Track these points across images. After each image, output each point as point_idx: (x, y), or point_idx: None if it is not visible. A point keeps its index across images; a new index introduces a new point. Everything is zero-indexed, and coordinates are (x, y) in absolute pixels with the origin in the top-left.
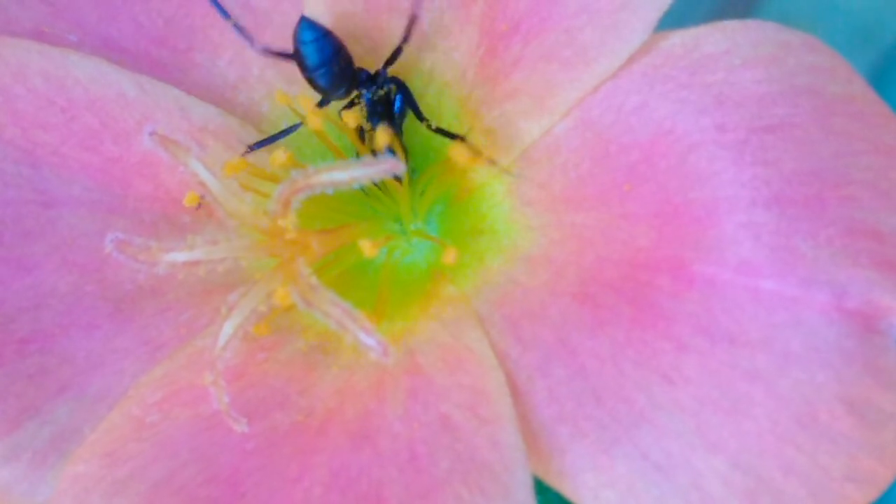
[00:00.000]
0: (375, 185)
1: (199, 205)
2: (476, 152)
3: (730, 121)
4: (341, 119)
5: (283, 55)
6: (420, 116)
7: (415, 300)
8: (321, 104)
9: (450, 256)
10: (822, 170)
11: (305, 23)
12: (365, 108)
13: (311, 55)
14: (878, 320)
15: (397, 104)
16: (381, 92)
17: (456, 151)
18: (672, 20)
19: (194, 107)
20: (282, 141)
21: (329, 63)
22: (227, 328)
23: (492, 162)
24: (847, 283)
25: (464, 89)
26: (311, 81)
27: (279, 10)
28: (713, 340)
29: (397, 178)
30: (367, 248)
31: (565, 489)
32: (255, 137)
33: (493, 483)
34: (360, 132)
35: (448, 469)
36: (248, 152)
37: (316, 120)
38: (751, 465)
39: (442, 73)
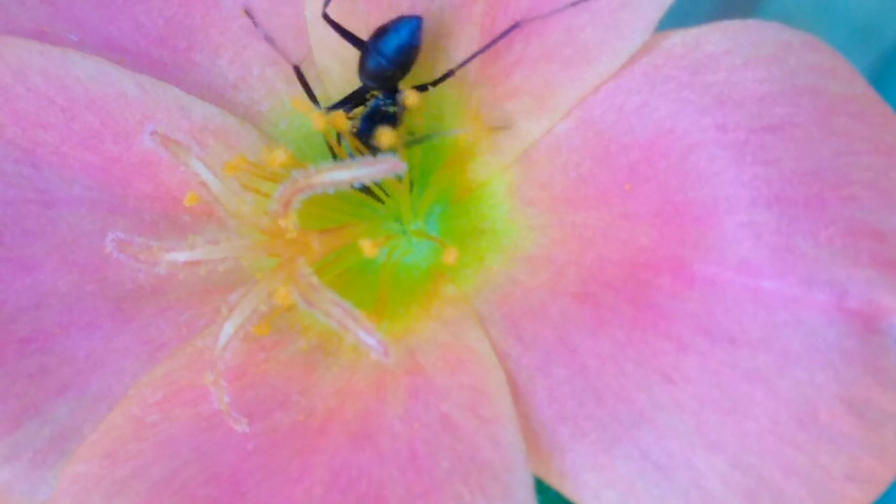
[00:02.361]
0: (376, 184)
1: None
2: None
3: (730, 120)
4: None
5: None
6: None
7: (415, 300)
8: (333, 107)
9: (450, 256)
10: (822, 169)
11: (416, 24)
12: (367, 110)
13: (391, 50)
14: (878, 320)
15: (394, 122)
16: (391, 109)
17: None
18: (673, 20)
19: (195, 106)
20: (282, 141)
21: (396, 66)
22: (228, 328)
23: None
24: (847, 283)
25: (464, 89)
26: (367, 52)
27: (278, 12)
28: (713, 340)
29: (398, 178)
30: (368, 247)
31: (566, 489)
32: (256, 137)
33: (493, 483)
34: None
35: (448, 469)
36: None
37: (321, 120)
38: (751, 464)
39: (442, 72)
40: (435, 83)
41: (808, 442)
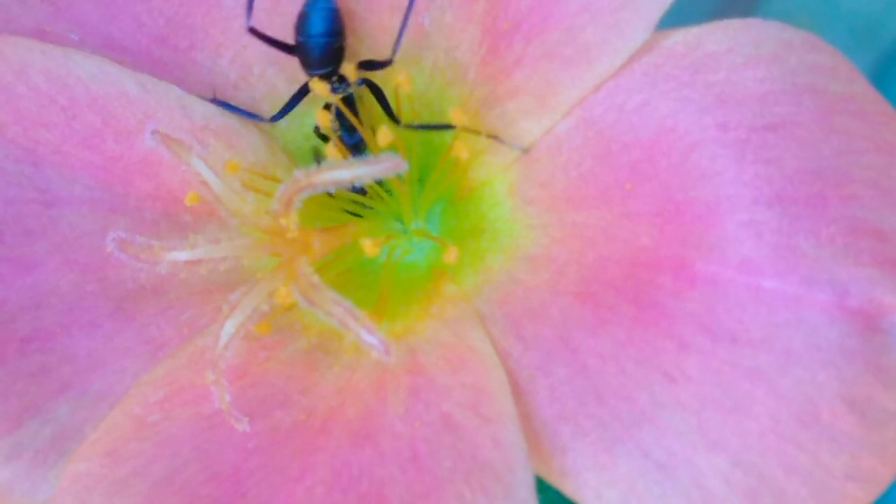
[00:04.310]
0: (377, 184)
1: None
2: (475, 131)
3: (732, 119)
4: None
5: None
6: (393, 118)
7: (416, 299)
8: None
9: (451, 256)
10: (823, 168)
11: None
12: (335, 108)
13: (318, 22)
14: (879, 319)
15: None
16: (350, 90)
17: (458, 148)
18: (673, 19)
19: (196, 105)
20: (283, 140)
21: (334, 36)
22: (229, 327)
23: (495, 137)
24: (849, 282)
25: (465, 88)
26: (304, 47)
27: (279, 11)
28: (715, 339)
29: (399, 178)
30: (369, 247)
31: (567, 488)
32: (256, 136)
33: (494, 482)
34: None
35: (450, 468)
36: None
37: (325, 117)
38: (752, 463)
39: (443, 71)
40: (380, 66)
41: (810, 441)
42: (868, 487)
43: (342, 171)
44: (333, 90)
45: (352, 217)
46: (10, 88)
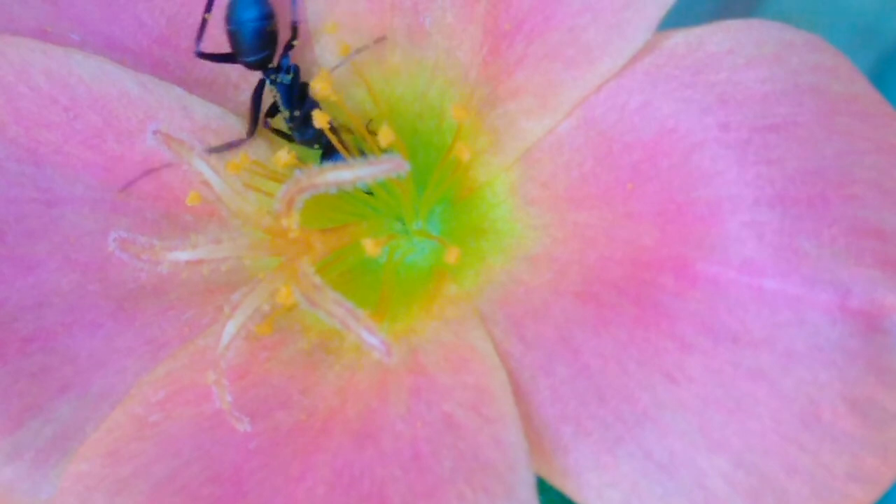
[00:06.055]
0: (378, 184)
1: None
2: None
3: (733, 120)
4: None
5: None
6: (294, 105)
7: (417, 299)
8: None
9: (452, 256)
10: (825, 169)
11: None
12: (279, 95)
13: (247, 7)
14: (881, 319)
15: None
16: (289, 76)
17: (459, 149)
18: (673, 20)
19: (197, 106)
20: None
21: (259, 19)
22: (231, 327)
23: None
24: (850, 283)
25: (466, 88)
26: (236, 35)
27: (281, 15)
28: (716, 339)
29: (399, 178)
30: (370, 247)
31: (568, 488)
32: (258, 136)
33: (496, 482)
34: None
35: (451, 468)
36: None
37: (323, 117)
38: (754, 463)
39: (444, 71)
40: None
41: (811, 441)
42: (869, 488)
43: (344, 171)
44: (270, 81)
45: (353, 217)
46: (12, 88)
